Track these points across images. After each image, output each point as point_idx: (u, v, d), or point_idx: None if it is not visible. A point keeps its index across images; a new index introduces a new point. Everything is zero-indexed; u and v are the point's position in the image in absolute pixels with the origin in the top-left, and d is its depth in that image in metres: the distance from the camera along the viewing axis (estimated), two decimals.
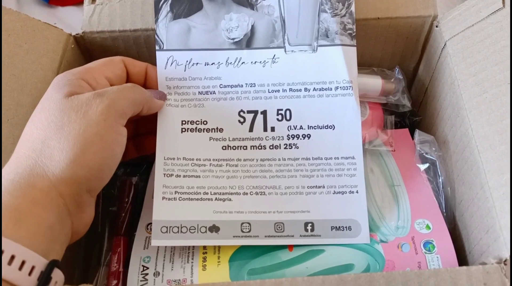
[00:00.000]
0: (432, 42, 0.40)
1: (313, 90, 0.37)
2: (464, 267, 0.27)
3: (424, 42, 0.42)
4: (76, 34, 0.40)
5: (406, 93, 0.41)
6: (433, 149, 0.39)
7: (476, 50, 0.35)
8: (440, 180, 0.38)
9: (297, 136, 0.36)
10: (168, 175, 0.35)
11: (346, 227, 0.35)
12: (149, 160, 0.41)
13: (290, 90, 0.37)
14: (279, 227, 0.34)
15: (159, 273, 0.33)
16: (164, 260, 0.34)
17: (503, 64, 0.33)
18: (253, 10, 0.38)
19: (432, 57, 0.41)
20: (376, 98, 0.41)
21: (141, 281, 0.33)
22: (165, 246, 0.35)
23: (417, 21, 0.40)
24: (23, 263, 0.23)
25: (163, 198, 0.34)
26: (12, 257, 0.23)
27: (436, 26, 0.39)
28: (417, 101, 0.45)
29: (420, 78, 0.44)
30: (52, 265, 0.25)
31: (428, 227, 0.35)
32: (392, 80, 0.41)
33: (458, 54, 0.36)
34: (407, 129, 0.42)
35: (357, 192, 0.35)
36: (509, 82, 0.32)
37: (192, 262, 0.34)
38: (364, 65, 0.43)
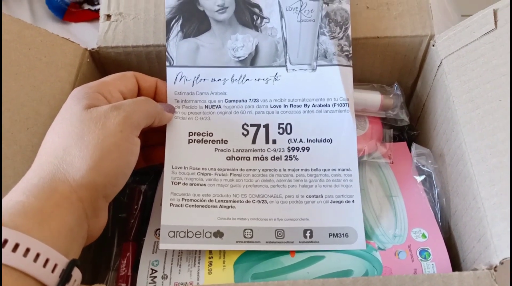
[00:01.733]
0: (429, 60, 0.42)
1: (312, 106, 0.39)
2: (456, 272, 0.29)
3: (422, 60, 0.43)
4: (92, 49, 0.41)
5: (404, 108, 0.43)
6: (429, 161, 0.40)
7: (470, 68, 0.36)
8: (436, 191, 0.39)
9: (297, 148, 0.38)
10: (175, 183, 0.37)
11: (343, 234, 0.36)
12: (157, 170, 0.43)
13: (290, 106, 0.39)
14: (280, 234, 0.36)
15: (167, 276, 0.35)
16: (172, 264, 0.35)
17: (495, 82, 0.34)
18: (258, 31, 0.40)
19: (429, 74, 0.42)
20: (375, 112, 0.42)
21: (150, 283, 0.34)
22: (173, 250, 0.36)
23: (414, 40, 0.41)
24: (47, 260, 0.25)
25: (170, 205, 0.36)
26: (37, 255, 0.25)
27: (433, 45, 0.40)
28: (414, 116, 0.47)
29: (418, 94, 0.46)
30: (72, 264, 0.26)
31: (424, 235, 0.36)
32: (391, 96, 0.42)
33: (453, 72, 0.37)
34: (405, 142, 0.44)
35: (353, 201, 0.37)
36: (500, 99, 0.33)
37: (198, 266, 0.35)
38: (364, 81, 0.44)
